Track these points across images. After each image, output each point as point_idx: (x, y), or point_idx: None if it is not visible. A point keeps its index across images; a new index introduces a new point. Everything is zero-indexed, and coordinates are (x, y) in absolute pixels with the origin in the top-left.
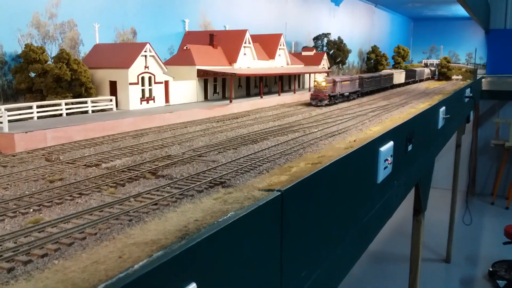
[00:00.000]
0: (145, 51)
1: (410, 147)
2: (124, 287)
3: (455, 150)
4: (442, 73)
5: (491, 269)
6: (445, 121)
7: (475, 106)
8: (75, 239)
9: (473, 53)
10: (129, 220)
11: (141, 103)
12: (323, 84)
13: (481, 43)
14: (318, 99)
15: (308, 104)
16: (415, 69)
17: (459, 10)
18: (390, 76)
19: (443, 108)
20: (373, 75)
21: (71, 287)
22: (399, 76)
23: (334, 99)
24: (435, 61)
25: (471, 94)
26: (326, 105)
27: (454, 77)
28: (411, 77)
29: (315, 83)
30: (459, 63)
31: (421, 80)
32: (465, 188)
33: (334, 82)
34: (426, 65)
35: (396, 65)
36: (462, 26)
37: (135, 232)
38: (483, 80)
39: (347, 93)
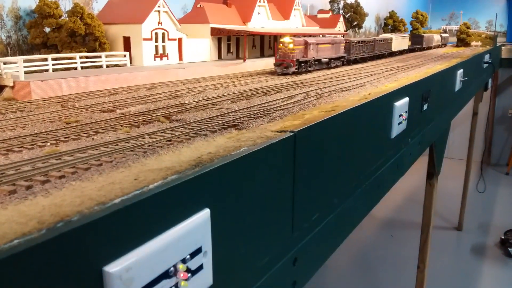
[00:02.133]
0: (158, 6)
1: (425, 106)
2: (139, 202)
3: (472, 118)
4: (461, 39)
5: (503, 237)
6: (463, 84)
7: (494, 75)
8: (91, 165)
9: (493, 21)
10: (144, 152)
11: (154, 60)
12: (290, 46)
13: (502, 10)
14: (283, 65)
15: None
16: (423, 34)
17: None
18: (388, 42)
19: (461, 70)
20: (364, 39)
21: (88, 201)
22: (400, 42)
23: (306, 66)
24: (454, 27)
25: (490, 60)
26: (294, 73)
27: (473, 43)
28: (417, 43)
29: (281, 44)
30: (479, 30)
31: (429, 48)
32: (480, 158)
33: (306, 45)
34: (445, 31)
35: (414, 31)
36: None
37: (150, 162)
38: (502, 48)
39: (326, 59)
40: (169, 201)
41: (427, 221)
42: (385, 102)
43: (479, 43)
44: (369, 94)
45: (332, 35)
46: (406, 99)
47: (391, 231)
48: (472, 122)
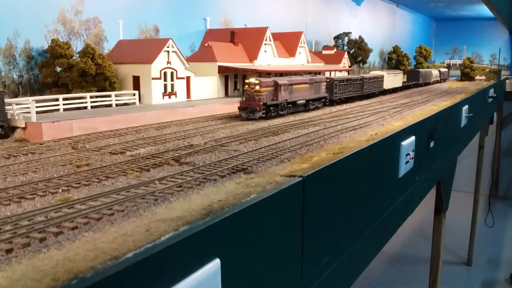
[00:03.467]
0: (168, 47)
1: (432, 144)
2: (151, 256)
3: (478, 152)
4: (465, 74)
5: None
6: (468, 120)
7: (499, 108)
8: (103, 214)
9: (496, 54)
10: (154, 199)
11: (163, 98)
12: (257, 88)
13: (505, 44)
14: (248, 109)
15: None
16: (419, 70)
17: (483, 10)
18: (379, 80)
19: (466, 106)
20: (350, 77)
21: (101, 255)
22: (392, 79)
23: (276, 109)
24: (458, 62)
25: (494, 95)
26: (261, 118)
27: (477, 77)
28: (413, 79)
29: (246, 86)
30: (483, 64)
31: (426, 84)
32: (487, 191)
33: (276, 86)
34: (448, 66)
35: (417, 65)
36: (485, 27)
37: (161, 210)
38: (507, 81)
39: (303, 101)
40: (180, 253)
41: (436, 258)
42: (392, 142)
43: (483, 77)
44: (375, 134)
45: (312, 74)
46: (413, 138)
47: (400, 266)
48: (478, 155)
